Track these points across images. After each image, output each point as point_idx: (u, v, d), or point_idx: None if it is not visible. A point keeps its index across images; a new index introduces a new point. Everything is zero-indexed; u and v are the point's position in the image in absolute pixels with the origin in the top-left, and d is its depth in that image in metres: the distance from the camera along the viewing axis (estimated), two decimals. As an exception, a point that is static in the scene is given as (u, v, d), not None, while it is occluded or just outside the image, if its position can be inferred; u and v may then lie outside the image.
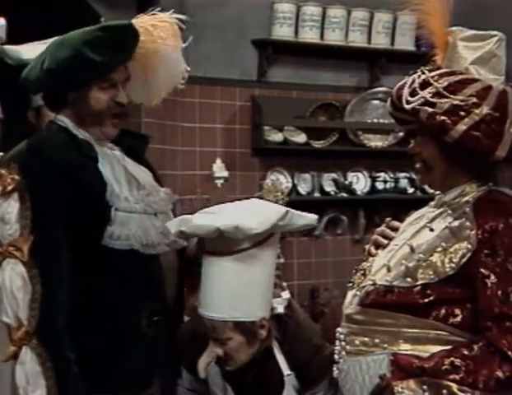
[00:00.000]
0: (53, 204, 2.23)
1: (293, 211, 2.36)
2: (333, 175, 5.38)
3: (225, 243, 2.30)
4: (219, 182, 4.80)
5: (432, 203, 2.13)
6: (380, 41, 5.38)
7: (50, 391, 2.21)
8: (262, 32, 5.12)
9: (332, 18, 5.27)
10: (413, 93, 2.02)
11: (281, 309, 2.44)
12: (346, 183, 5.40)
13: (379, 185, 5.50)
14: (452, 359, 1.90)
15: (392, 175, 5.52)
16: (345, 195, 5.36)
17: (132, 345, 2.33)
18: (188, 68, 2.57)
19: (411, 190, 5.50)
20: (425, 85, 2.01)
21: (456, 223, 2.00)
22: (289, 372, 2.43)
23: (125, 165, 2.42)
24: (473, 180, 2.06)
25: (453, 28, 2.11)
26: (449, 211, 2.04)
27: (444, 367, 1.89)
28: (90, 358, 2.24)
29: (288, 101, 5.21)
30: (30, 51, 3.40)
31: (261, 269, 2.35)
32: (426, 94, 2.00)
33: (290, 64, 5.25)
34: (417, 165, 2.11)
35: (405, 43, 5.35)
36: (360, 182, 5.48)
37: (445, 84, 2.00)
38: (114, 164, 2.37)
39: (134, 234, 2.32)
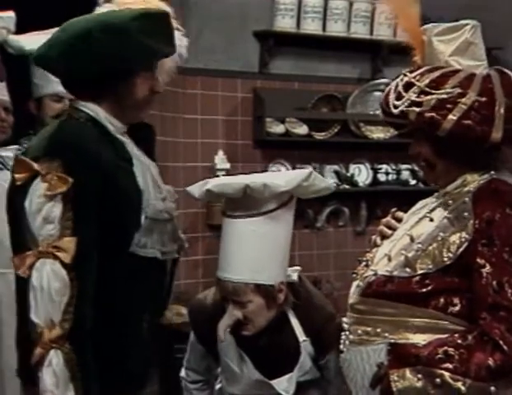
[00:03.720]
0: (93, 206, 2.14)
1: (315, 173, 2.42)
2: (335, 167, 5.38)
3: (248, 205, 2.34)
4: (221, 174, 4.80)
5: (436, 194, 2.14)
6: (382, 33, 5.37)
7: None
8: (264, 24, 5.11)
9: (335, 9, 5.26)
10: (399, 97, 2.04)
11: (295, 277, 2.48)
12: (348, 174, 5.40)
13: (381, 177, 5.49)
14: (446, 348, 1.91)
15: (394, 167, 5.52)
16: (347, 187, 5.35)
17: (136, 346, 2.30)
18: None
19: (413, 182, 5.50)
20: (408, 86, 2.04)
21: (455, 213, 2.01)
22: (305, 338, 2.46)
23: (150, 168, 2.35)
24: (475, 170, 2.06)
25: (426, 25, 2.12)
26: (450, 201, 2.05)
27: (437, 356, 1.91)
28: (97, 359, 2.20)
29: (290, 93, 5.20)
30: (32, 41, 3.41)
31: (281, 232, 2.40)
32: (411, 95, 2.02)
33: (291, 56, 5.25)
34: (420, 165, 2.14)
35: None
36: (362, 174, 5.48)
37: (427, 81, 2.01)
38: (144, 168, 2.31)
39: (156, 242, 2.28)
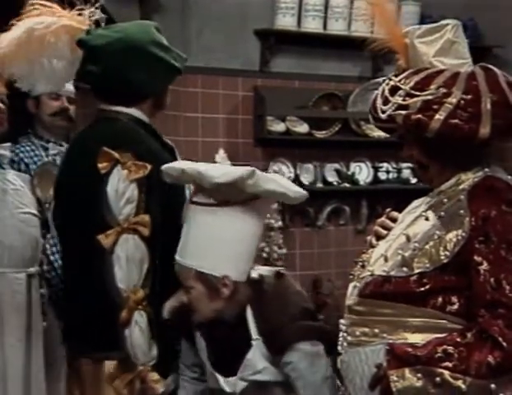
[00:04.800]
0: (156, 190, 2.50)
1: (262, 173, 2.43)
2: (336, 165, 5.38)
3: (205, 194, 2.41)
4: (221, 172, 4.81)
5: (431, 193, 2.14)
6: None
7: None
8: (265, 22, 5.12)
9: (335, 8, 5.27)
10: (385, 101, 2.05)
11: (254, 275, 2.49)
12: (349, 173, 5.40)
13: (382, 175, 5.50)
14: (445, 346, 1.91)
15: (394, 165, 5.52)
16: (347, 185, 5.36)
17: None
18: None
19: (413, 180, 5.50)
20: (394, 90, 2.04)
21: (450, 211, 2.00)
22: (257, 337, 2.46)
23: None
24: (468, 168, 2.06)
25: (407, 28, 2.13)
26: (445, 200, 2.04)
27: (437, 355, 1.90)
28: None
29: (291, 91, 5.21)
30: None
31: (236, 228, 2.41)
32: (397, 98, 2.02)
33: (292, 54, 5.25)
34: (415, 167, 2.16)
35: (408, 33, 5.33)
36: (362, 172, 5.48)
37: (412, 84, 2.02)
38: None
39: None
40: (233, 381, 2.49)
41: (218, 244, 2.40)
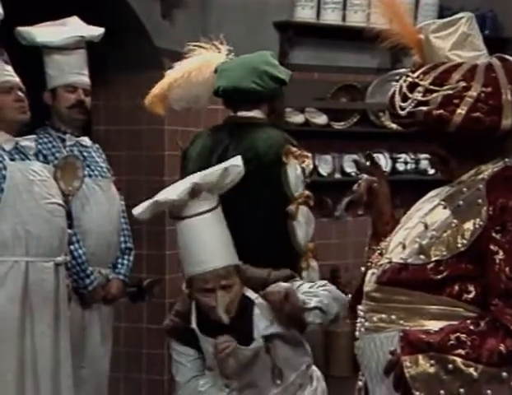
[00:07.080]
0: None
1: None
2: (354, 156, 5.40)
3: (199, 204, 2.68)
4: (240, 163, 4.84)
5: (450, 183, 2.16)
6: (402, 22, 5.38)
7: None
8: (284, 14, 5.14)
9: (354, 0, 5.29)
10: (404, 98, 2.05)
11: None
12: (367, 164, 5.41)
13: (400, 166, 5.52)
14: (458, 334, 1.93)
15: (413, 156, 5.54)
16: (366, 176, 5.37)
17: None
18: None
19: (431, 171, 5.51)
20: (412, 87, 2.04)
21: (469, 200, 2.02)
22: (256, 295, 2.72)
23: None
24: (488, 160, 2.07)
25: (421, 24, 2.12)
26: (464, 189, 2.05)
27: (450, 342, 1.92)
28: None
29: (309, 83, 5.23)
30: (44, 33, 3.47)
31: (223, 224, 2.73)
32: (417, 95, 2.02)
33: (311, 46, 5.28)
34: (435, 162, 2.17)
35: (427, 24, 5.34)
36: (380, 163, 5.48)
37: (431, 79, 2.02)
38: None
39: None
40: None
41: (225, 239, 2.69)
